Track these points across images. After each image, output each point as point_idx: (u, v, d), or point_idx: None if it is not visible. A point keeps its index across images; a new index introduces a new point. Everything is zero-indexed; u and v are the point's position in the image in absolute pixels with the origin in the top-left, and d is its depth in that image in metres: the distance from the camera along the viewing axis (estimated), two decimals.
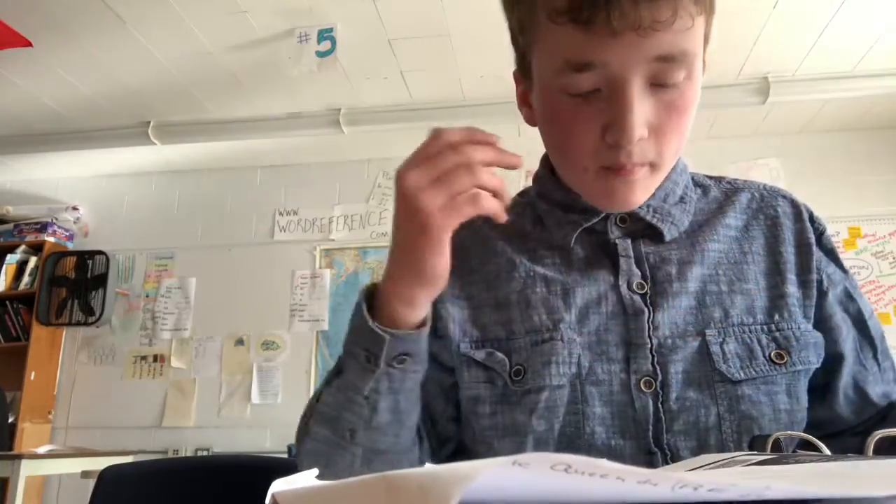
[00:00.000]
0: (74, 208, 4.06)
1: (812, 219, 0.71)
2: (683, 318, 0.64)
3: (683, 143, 0.61)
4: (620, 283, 0.66)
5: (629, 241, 0.68)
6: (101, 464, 2.59)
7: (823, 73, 3.06)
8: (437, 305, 0.67)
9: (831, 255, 0.70)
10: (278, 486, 0.26)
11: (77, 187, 4.14)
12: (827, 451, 0.46)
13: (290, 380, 3.65)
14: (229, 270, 3.86)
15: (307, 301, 3.75)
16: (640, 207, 0.66)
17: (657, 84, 0.56)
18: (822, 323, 0.67)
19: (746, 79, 3.12)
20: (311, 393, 3.53)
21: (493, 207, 0.54)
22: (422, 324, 0.60)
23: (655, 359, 0.62)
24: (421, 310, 0.60)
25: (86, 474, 2.75)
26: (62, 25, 2.71)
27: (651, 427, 0.61)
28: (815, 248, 0.69)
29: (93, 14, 2.64)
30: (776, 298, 0.66)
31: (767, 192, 0.73)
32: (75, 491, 3.56)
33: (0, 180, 4.14)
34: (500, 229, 0.72)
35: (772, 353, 0.62)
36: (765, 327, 0.64)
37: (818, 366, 0.64)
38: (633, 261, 0.67)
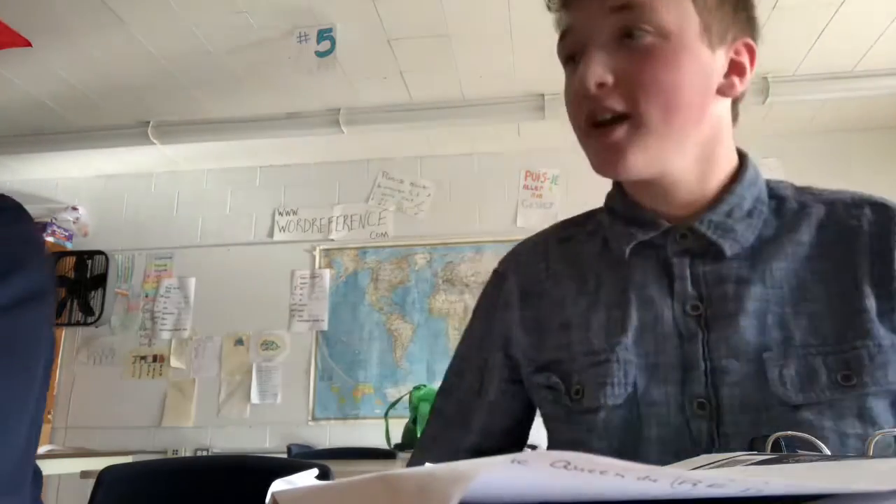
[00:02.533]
0: (74, 208, 4.06)
1: None
2: (742, 339, 0.62)
3: (671, 100, 0.62)
4: (675, 305, 0.66)
5: (687, 260, 0.67)
6: (100, 464, 2.58)
7: (823, 73, 3.06)
8: (507, 330, 0.75)
9: None
10: (278, 486, 0.26)
11: (76, 187, 4.14)
12: (827, 451, 0.46)
13: (289, 380, 3.65)
14: (229, 270, 3.85)
15: (307, 301, 3.75)
16: (700, 223, 0.66)
17: (626, 36, 0.62)
18: None
19: None
20: (311, 392, 3.48)
21: None
22: None
23: (709, 380, 0.62)
24: None
25: (85, 474, 2.74)
26: (61, 25, 2.71)
27: (705, 451, 0.59)
28: None
29: (92, 13, 2.64)
30: (849, 316, 0.62)
31: (854, 202, 0.68)
32: (74, 491, 3.56)
33: (0, 180, 4.14)
34: (570, 254, 0.76)
35: (839, 376, 0.59)
36: (834, 348, 0.60)
37: None
38: (688, 282, 0.66)
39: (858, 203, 0.68)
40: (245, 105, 3.35)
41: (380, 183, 3.90)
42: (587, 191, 4.16)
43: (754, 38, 0.69)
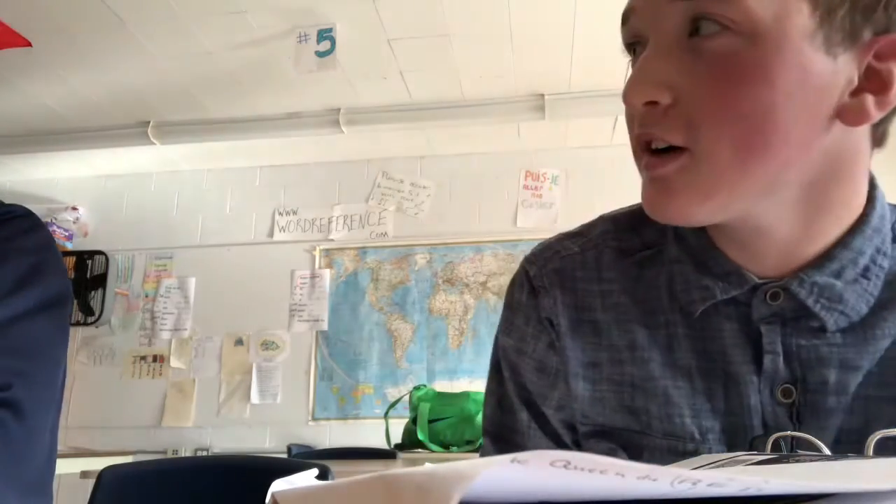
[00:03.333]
0: (74, 208, 4.06)
1: None
2: (832, 437, 0.50)
3: (751, 135, 0.44)
4: (762, 387, 0.51)
5: (777, 328, 0.51)
6: (100, 464, 2.58)
7: None
8: (560, 364, 0.59)
9: None
10: (278, 486, 0.26)
11: (76, 187, 4.14)
12: (827, 452, 0.46)
13: (289, 380, 3.65)
14: (229, 270, 3.85)
15: (307, 301, 3.75)
16: (799, 283, 0.50)
17: (696, 35, 0.45)
18: None
19: None
20: (311, 392, 3.47)
21: None
22: None
23: None
24: None
25: (85, 474, 2.74)
26: (62, 26, 2.71)
27: None
28: None
29: (92, 14, 2.64)
30: None
31: None
32: (74, 491, 3.56)
33: (0, 180, 4.15)
34: (631, 279, 0.58)
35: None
36: None
37: None
38: (780, 359, 0.51)
39: None
40: (245, 105, 3.35)
41: (380, 183, 3.90)
42: (587, 191, 4.15)
43: None
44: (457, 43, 2.86)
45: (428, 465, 0.21)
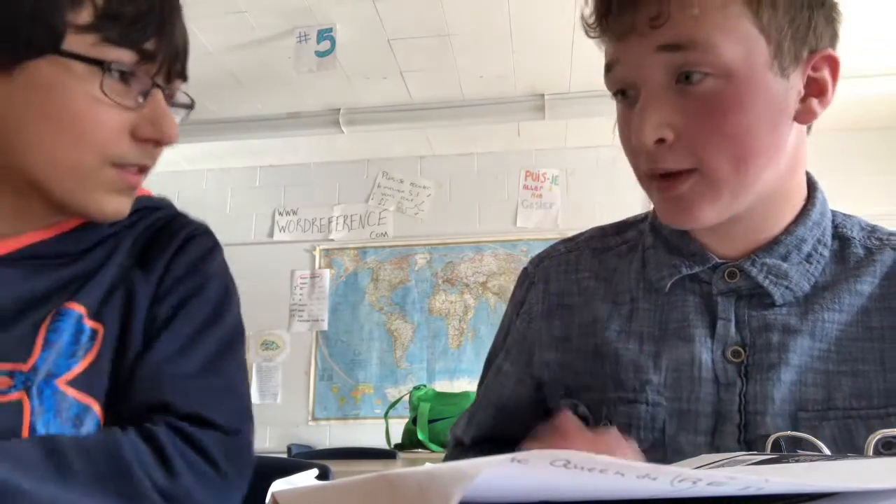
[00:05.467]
0: None
1: None
2: (779, 395, 0.58)
3: (741, 149, 0.55)
4: (715, 348, 0.61)
5: (732, 301, 0.62)
6: None
7: None
8: (531, 346, 0.72)
9: None
10: (278, 485, 0.26)
11: None
12: (827, 451, 0.46)
13: (289, 380, 3.65)
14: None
15: (307, 301, 3.75)
16: (752, 263, 0.61)
17: (683, 81, 0.55)
18: None
19: None
20: (311, 392, 3.46)
21: None
22: None
23: (742, 435, 0.58)
24: None
25: None
26: None
27: None
28: None
29: None
30: None
31: None
32: None
33: None
34: (604, 269, 0.71)
35: (880, 443, 0.51)
36: (879, 411, 0.56)
37: None
38: (731, 324, 0.62)
39: None
40: (245, 105, 3.35)
41: (380, 183, 3.90)
42: (587, 191, 4.13)
43: (835, 46, 0.60)
44: (457, 43, 2.86)
45: (428, 465, 0.21)
